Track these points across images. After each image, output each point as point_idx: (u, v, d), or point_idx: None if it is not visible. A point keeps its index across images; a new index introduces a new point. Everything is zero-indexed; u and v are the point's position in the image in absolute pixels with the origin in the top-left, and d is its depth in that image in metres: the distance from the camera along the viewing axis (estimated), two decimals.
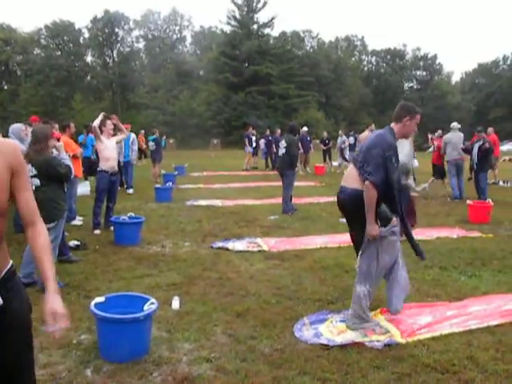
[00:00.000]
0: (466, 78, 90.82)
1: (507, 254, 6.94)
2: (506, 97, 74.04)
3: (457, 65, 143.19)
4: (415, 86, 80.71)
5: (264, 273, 5.91)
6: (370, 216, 4.11)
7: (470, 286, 5.49)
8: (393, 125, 4.39)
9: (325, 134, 23.23)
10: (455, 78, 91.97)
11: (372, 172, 4.08)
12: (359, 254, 4.34)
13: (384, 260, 4.25)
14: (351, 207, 4.34)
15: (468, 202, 9.94)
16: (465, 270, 6.08)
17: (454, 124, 12.84)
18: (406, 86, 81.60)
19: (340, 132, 22.58)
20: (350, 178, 4.35)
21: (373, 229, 4.13)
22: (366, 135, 13.94)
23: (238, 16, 58.76)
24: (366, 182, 4.09)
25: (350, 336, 4.10)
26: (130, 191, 13.12)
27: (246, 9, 58.63)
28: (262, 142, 22.44)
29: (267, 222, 9.13)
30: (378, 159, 4.11)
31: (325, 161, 21.86)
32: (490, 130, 15.05)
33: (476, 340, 4.05)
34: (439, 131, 14.97)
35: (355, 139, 19.12)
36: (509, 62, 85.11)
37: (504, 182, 15.93)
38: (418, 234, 8.11)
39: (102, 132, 8.14)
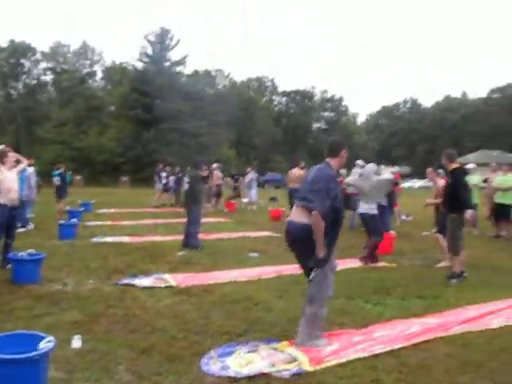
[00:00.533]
0: (370, 119, 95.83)
1: (410, 282, 7.21)
2: (405, 137, 78.72)
3: (361, 107, 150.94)
4: (323, 126, 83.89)
5: (171, 308, 5.75)
6: (320, 242, 4.37)
7: (375, 313, 5.62)
8: (328, 159, 4.80)
9: (234, 170, 23.42)
10: (360, 119, 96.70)
11: (318, 203, 4.37)
12: (309, 281, 4.54)
13: (330, 284, 4.63)
14: (300, 239, 4.54)
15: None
16: (370, 298, 6.24)
17: (358, 162, 13.52)
18: (315, 126, 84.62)
19: (248, 169, 22.93)
20: (298, 214, 4.59)
21: (322, 254, 4.39)
22: (297, 172, 14.26)
23: (150, 52, 58.65)
24: (314, 212, 4.34)
25: (258, 367, 4.04)
26: (29, 227, 12.41)
27: (158, 46, 58.69)
28: (172, 178, 22.24)
29: (176, 258, 8.96)
30: (322, 191, 4.44)
31: (235, 198, 21.93)
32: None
33: (381, 363, 4.13)
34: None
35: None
36: (409, 105, 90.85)
37: (406, 216, 16.68)
38: None
39: (3, 163, 7.72)
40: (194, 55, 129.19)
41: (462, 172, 7.75)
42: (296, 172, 14.99)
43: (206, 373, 3.94)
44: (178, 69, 60.62)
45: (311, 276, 4.48)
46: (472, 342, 4.72)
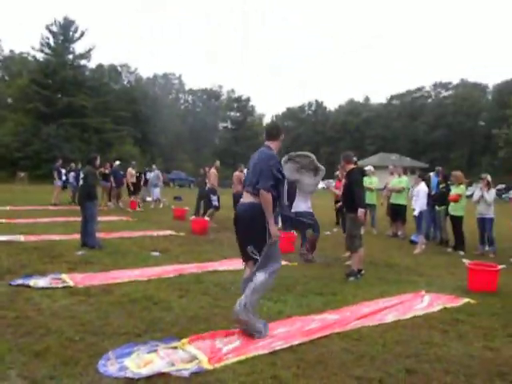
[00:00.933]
0: (275, 121, 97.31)
1: (309, 280, 7.42)
2: (310, 139, 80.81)
3: (268, 108, 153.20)
4: (229, 126, 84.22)
5: (68, 309, 5.52)
6: (270, 218, 4.75)
7: (276, 310, 5.72)
8: (268, 143, 5.20)
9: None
10: (266, 120, 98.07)
11: (263, 181, 4.75)
12: (261, 258, 4.79)
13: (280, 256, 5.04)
14: (248, 217, 4.85)
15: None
16: (271, 296, 6.30)
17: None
18: (221, 125, 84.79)
19: (153, 167, 22.59)
20: (247, 196, 4.96)
21: (274, 229, 4.77)
22: (238, 175, 14.13)
23: (52, 44, 55.90)
24: (261, 191, 4.71)
25: (157, 366, 3.98)
26: None
27: (61, 37, 56.01)
28: (72, 175, 21.36)
29: (74, 258, 8.63)
30: (264, 170, 4.80)
31: (130, 195, 21.32)
32: None
33: (280, 360, 4.20)
34: None
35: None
36: (313, 107, 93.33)
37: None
38: (228, 264, 8.38)
39: None
40: (100, 49, 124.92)
41: (357, 173, 8.09)
42: (236, 174, 14.85)
43: (103, 375, 3.83)
44: (82, 62, 58.27)
45: (264, 250, 4.77)
46: (366, 336, 4.92)
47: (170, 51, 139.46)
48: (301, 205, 9.37)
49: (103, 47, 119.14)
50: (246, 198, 4.95)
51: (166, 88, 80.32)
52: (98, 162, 10.17)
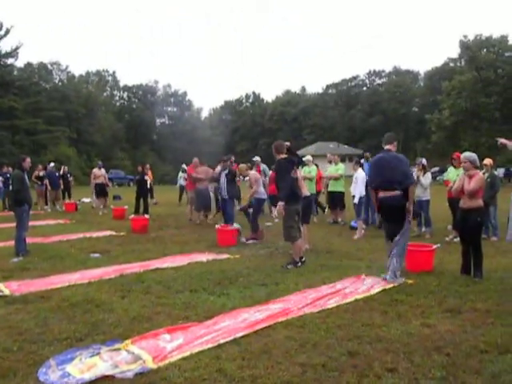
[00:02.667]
0: (214, 114, 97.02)
1: (251, 272, 7.45)
2: (248, 131, 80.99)
3: (205, 101, 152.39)
4: (167, 122, 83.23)
5: (4, 319, 5.31)
6: (411, 204, 6.84)
7: (219, 304, 5.71)
8: (390, 146, 7.01)
9: (65, 168, 21.82)
10: (204, 114, 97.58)
11: (410, 179, 6.86)
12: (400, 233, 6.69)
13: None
14: (396, 206, 6.73)
15: (216, 226, 10.54)
16: (214, 290, 6.33)
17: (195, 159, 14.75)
18: (159, 121, 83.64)
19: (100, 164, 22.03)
20: (389, 192, 6.72)
21: (411, 211, 6.84)
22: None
23: None
24: (411, 186, 6.89)
25: (100, 370, 3.91)
26: None
27: None
28: (0, 179, 20.46)
29: (10, 265, 8.31)
30: (407, 171, 6.90)
31: (64, 198, 20.81)
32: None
33: (224, 353, 4.21)
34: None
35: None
36: (250, 100, 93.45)
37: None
38: (170, 261, 8.32)
39: None
40: (28, 47, 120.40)
41: (283, 163, 8.03)
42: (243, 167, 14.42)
43: (44, 383, 3.72)
44: (9, 61, 55.77)
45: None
46: (309, 322, 4.99)
47: (103, 47, 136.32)
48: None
49: (31, 45, 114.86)
50: (388, 192, 6.65)
51: (99, 85, 78.21)
52: (27, 164, 9.67)
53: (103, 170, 19.21)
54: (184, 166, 22.68)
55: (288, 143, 8.44)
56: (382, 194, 6.78)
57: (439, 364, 3.90)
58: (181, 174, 22.35)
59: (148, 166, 19.48)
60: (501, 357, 4.02)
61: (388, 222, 6.96)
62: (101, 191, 18.68)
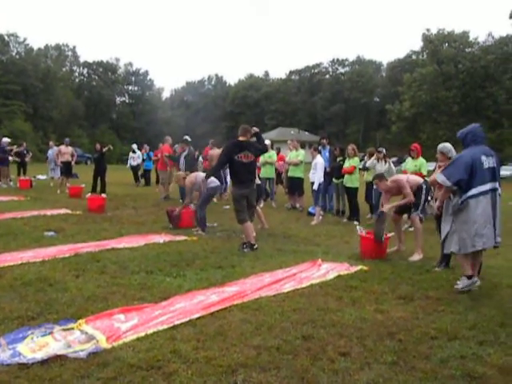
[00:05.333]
0: (175, 95, 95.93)
1: (208, 254, 7.45)
2: (210, 114, 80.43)
3: (167, 81, 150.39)
4: (127, 101, 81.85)
5: None
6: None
7: (175, 285, 5.69)
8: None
9: (24, 144, 21.17)
10: (165, 95, 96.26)
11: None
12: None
13: None
14: None
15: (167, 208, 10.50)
16: (170, 271, 6.30)
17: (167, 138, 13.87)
18: (119, 100, 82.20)
19: (51, 143, 21.54)
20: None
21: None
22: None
23: None
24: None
25: (52, 349, 3.84)
26: None
27: None
28: None
29: None
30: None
31: (19, 174, 20.13)
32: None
33: (179, 334, 4.20)
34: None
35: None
36: (213, 82, 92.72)
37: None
38: (126, 241, 8.23)
39: None
40: None
41: (230, 145, 8.17)
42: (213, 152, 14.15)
43: None
44: None
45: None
46: (265, 306, 5.02)
47: (63, 21, 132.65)
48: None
49: None
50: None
51: (58, 60, 76.08)
52: None
53: (70, 148, 18.71)
54: (134, 145, 22.48)
55: (256, 129, 8.44)
56: None
57: (391, 349, 3.98)
58: (132, 154, 22.13)
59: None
60: (450, 343, 4.14)
61: None
62: (66, 170, 18.20)
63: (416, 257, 7.48)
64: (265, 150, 8.83)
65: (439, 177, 5.79)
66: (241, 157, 7.85)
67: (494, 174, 5.70)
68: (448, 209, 5.88)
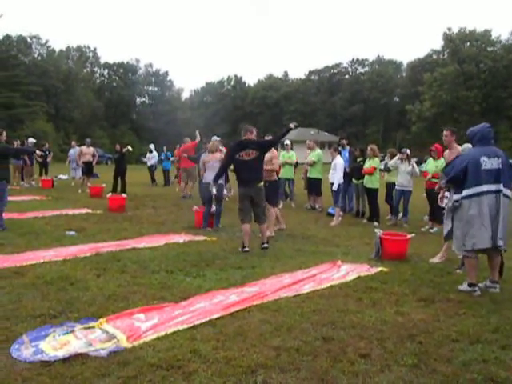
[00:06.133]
0: (194, 96, 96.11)
1: (228, 254, 7.47)
2: (229, 115, 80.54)
3: (186, 82, 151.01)
4: (147, 101, 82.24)
5: None
6: None
7: (195, 285, 5.72)
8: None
9: (47, 145, 21.57)
10: (185, 95, 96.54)
11: None
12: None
13: None
14: None
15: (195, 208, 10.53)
16: (190, 271, 6.33)
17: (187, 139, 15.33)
18: (139, 100, 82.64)
19: (73, 143, 21.72)
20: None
21: None
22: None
23: None
24: None
25: (74, 348, 3.89)
26: None
27: None
28: None
29: None
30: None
31: (41, 174, 20.33)
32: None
33: (199, 334, 4.22)
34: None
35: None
36: (232, 82, 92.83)
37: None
38: (147, 241, 8.29)
39: None
40: (6, 18, 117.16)
41: (232, 145, 8.38)
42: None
43: (17, 359, 3.69)
44: None
45: None
46: (284, 307, 5.01)
47: (85, 23, 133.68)
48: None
49: (11, 17, 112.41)
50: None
51: (79, 61, 76.78)
52: (2, 137, 9.48)
53: (92, 148, 18.84)
54: (152, 145, 22.59)
55: (292, 125, 8.62)
56: None
57: (411, 352, 3.95)
58: (148, 154, 22.27)
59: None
60: (471, 346, 4.09)
61: None
62: (87, 170, 18.35)
63: (436, 259, 7.42)
64: (273, 142, 8.85)
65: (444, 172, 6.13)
66: (242, 155, 7.89)
67: (497, 176, 5.58)
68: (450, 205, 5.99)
